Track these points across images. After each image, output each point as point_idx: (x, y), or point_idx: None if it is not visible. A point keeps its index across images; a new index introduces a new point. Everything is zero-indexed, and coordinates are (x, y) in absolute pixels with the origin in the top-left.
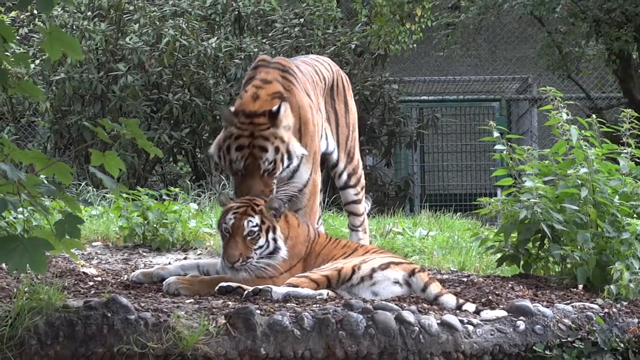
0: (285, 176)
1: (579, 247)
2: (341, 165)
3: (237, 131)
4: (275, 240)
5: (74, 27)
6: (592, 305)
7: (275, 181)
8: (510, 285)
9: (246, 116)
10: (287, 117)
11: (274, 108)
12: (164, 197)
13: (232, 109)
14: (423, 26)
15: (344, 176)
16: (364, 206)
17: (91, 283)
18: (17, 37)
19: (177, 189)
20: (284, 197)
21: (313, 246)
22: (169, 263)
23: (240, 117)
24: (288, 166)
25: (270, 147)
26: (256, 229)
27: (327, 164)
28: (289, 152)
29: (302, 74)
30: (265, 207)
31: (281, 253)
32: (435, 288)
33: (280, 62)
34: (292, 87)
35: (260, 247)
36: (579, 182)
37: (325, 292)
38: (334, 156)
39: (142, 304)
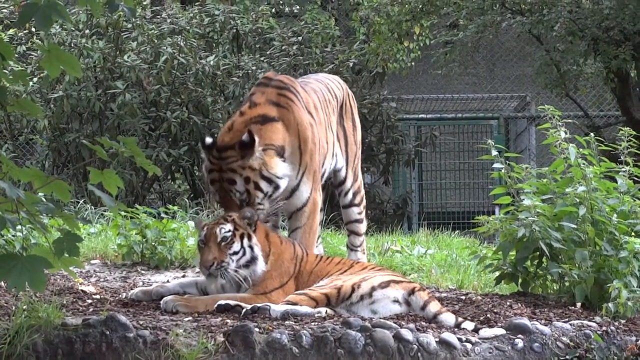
0: (283, 195)
1: (577, 265)
2: (348, 183)
3: (210, 165)
4: (251, 248)
5: (72, 45)
6: (590, 323)
7: (261, 205)
8: (508, 303)
9: (217, 150)
10: (266, 140)
11: (244, 137)
12: (162, 215)
13: (208, 140)
14: (421, 44)
15: (350, 195)
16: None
17: (90, 301)
18: (15, 55)
19: (175, 207)
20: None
21: (303, 265)
22: (168, 281)
23: (213, 151)
24: (275, 190)
25: (239, 179)
26: (229, 234)
27: (332, 182)
28: (265, 177)
29: (308, 93)
30: (238, 217)
31: (259, 265)
32: (434, 306)
33: (282, 79)
34: (291, 104)
35: (236, 252)
36: (577, 200)
37: (323, 310)
38: (342, 173)
39: (141, 322)
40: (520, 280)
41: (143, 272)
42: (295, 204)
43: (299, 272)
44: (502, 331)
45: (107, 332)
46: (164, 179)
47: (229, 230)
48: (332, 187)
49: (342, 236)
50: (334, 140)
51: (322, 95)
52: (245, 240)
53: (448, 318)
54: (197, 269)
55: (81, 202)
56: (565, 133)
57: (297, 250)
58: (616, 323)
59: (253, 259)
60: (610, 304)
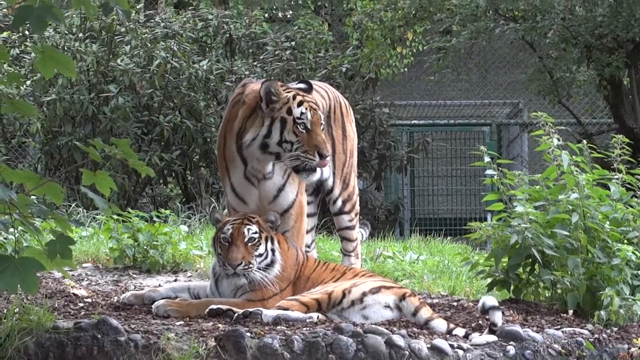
0: (270, 195)
1: (569, 272)
2: (336, 191)
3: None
4: (273, 251)
5: (66, 49)
6: (582, 331)
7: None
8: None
9: None
10: None
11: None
12: (155, 219)
13: None
14: (414, 50)
15: (339, 202)
16: (361, 233)
17: (81, 304)
18: (9, 58)
19: (167, 211)
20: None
21: (302, 270)
22: (160, 285)
23: None
24: None
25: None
26: (256, 235)
27: (322, 190)
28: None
29: None
30: (262, 220)
31: (276, 267)
32: (425, 312)
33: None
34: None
35: (260, 255)
36: (570, 207)
37: (315, 316)
38: (329, 182)
39: (132, 326)
40: (512, 287)
41: (135, 275)
42: (282, 204)
43: (297, 278)
44: (494, 338)
45: (99, 336)
46: (156, 183)
47: (256, 232)
48: (322, 194)
49: (334, 241)
50: None
51: None
52: (269, 244)
53: (440, 324)
54: (190, 274)
55: (73, 205)
56: (558, 140)
57: (299, 255)
58: (608, 331)
59: (272, 263)
60: (602, 312)
